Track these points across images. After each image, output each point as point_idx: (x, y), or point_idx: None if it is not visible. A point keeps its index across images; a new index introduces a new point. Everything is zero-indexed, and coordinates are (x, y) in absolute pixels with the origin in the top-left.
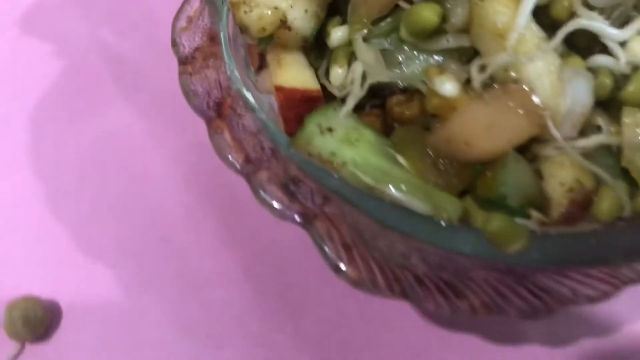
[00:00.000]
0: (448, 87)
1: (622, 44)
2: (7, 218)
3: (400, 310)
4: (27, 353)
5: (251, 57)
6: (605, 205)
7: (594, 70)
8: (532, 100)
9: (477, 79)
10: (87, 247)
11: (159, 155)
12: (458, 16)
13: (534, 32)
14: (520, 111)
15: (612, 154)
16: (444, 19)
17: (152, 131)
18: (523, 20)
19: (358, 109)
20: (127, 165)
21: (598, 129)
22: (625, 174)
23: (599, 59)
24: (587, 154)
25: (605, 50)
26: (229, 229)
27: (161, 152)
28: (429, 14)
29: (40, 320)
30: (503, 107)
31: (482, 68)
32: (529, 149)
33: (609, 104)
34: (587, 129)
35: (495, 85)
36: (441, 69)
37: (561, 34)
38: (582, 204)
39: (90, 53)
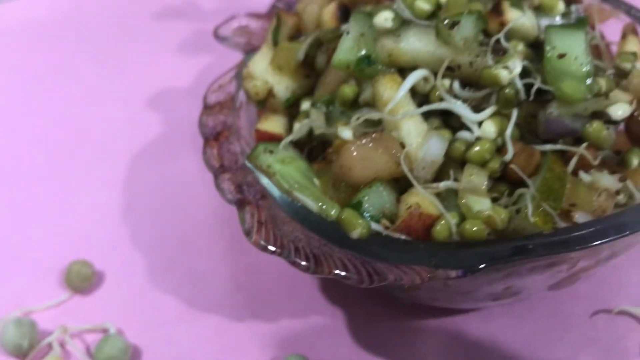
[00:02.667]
0: (346, 133)
1: (481, 123)
2: (93, 215)
3: None
4: (73, 300)
5: (258, 117)
6: (438, 228)
7: (456, 140)
8: (394, 145)
9: (354, 123)
10: (134, 239)
11: (203, 194)
12: (366, 93)
13: (409, 105)
14: (385, 151)
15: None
16: (359, 95)
17: (203, 179)
18: (399, 96)
19: (314, 159)
20: (180, 196)
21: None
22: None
23: (462, 134)
24: (440, 194)
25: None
26: (235, 261)
27: (205, 193)
28: (348, 91)
29: (88, 278)
30: (374, 146)
31: (360, 118)
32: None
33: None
34: (444, 177)
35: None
36: (346, 122)
37: (425, 108)
38: (420, 221)
39: (184, 124)
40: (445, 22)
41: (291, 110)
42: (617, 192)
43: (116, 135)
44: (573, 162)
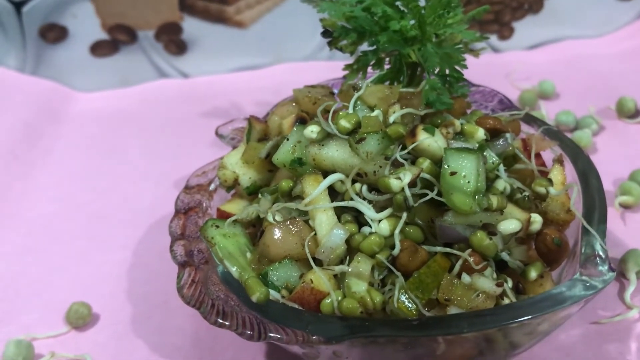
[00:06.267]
0: (270, 217)
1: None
2: (104, 268)
3: None
4: (70, 333)
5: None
6: (326, 303)
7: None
8: (304, 231)
9: (274, 210)
10: (129, 292)
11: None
12: (297, 188)
13: (325, 201)
14: (296, 234)
15: None
16: (293, 188)
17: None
18: (315, 193)
19: None
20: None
21: None
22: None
23: (364, 229)
24: (337, 276)
25: None
26: (200, 319)
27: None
28: (284, 185)
29: (84, 317)
30: (288, 229)
31: (278, 206)
32: None
33: None
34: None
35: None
36: (274, 209)
37: (334, 204)
38: (312, 295)
39: None
40: (356, 137)
41: (254, 197)
42: (502, 297)
43: (144, 207)
44: (458, 264)
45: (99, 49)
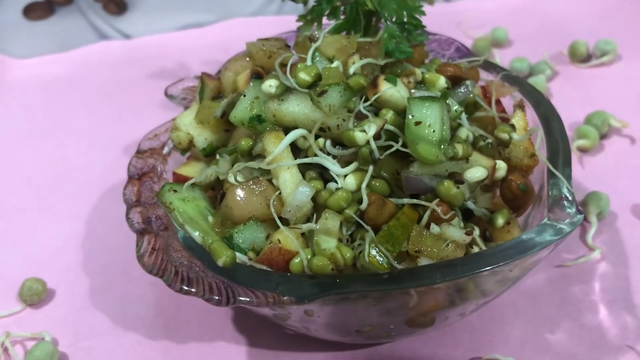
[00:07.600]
0: (232, 178)
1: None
2: (57, 242)
3: None
4: (25, 312)
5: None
6: (295, 262)
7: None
8: (268, 190)
9: (235, 170)
10: (85, 264)
11: None
12: (258, 146)
13: (288, 158)
14: (260, 195)
15: None
16: (253, 147)
17: None
18: (277, 150)
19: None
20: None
21: None
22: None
23: (330, 185)
24: (305, 234)
25: None
26: (162, 288)
27: None
28: (244, 144)
29: (38, 293)
30: (251, 190)
31: (239, 166)
32: None
33: None
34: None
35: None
36: (235, 169)
37: (297, 161)
38: (280, 255)
39: None
40: (317, 90)
41: (211, 158)
42: (471, 245)
43: (94, 176)
44: (426, 215)
45: (33, 11)
